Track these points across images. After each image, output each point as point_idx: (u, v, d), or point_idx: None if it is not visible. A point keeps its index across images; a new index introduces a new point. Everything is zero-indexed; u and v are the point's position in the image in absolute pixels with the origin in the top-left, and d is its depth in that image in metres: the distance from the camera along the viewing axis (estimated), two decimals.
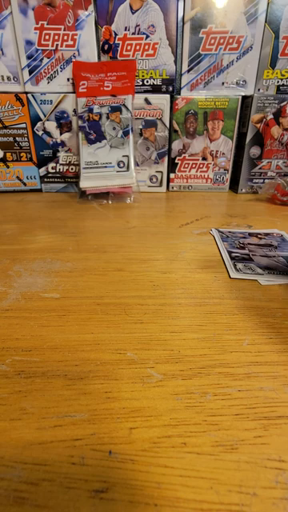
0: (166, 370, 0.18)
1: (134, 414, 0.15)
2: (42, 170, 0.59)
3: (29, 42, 0.50)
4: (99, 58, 0.52)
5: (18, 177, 0.59)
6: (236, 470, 0.13)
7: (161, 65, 0.52)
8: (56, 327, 0.21)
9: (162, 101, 0.54)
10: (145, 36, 0.50)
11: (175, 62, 0.52)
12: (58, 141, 0.56)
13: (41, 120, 0.55)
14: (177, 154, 0.58)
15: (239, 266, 0.30)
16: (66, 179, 0.60)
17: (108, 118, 0.53)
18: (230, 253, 0.33)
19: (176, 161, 0.59)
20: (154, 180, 0.60)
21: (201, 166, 0.59)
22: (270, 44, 0.51)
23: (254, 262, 0.30)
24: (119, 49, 0.51)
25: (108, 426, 0.15)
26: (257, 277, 0.28)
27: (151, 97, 0.54)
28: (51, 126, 0.55)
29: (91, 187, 0.54)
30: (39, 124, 0.55)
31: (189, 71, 0.53)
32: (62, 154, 0.58)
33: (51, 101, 0.54)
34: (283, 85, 0.53)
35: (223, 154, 0.58)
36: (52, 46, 0.51)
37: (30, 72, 0.52)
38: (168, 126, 0.55)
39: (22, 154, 0.57)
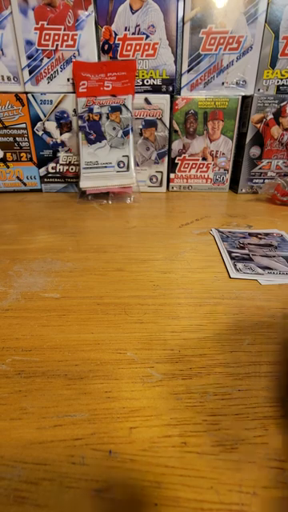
0: (166, 370, 0.18)
1: (134, 414, 0.15)
2: (42, 170, 0.59)
3: (29, 42, 0.50)
4: (99, 58, 0.52)
5: (18, 177, 0.59)
6: (236, 469, 0.13)
7: (161, 65, 0.52)
8: (56, 327, 0.21)
9: (161, 101, 0.54)
10: (145, 36, 0.50)
11: (175, 62, 0.52)
12: (58, 141, 0.56)
13: (41, 120, 0.55)
14: (177, 154, 0.58)
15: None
16: (66, 179, 0.60)
17: (108, 118, 0.53)
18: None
19: (176, 161, 0.59)
20: (154, 180, 0.60)
21: (201, 166, 0.59)
22: (269, 44, 0.51)
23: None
24: (119, 49, 0.51)
25: (108, 425, 0.15)
26: (257, 277, 0.28)
27: (151, 97, 0.54)
28: (51, 126, 0.55)
29: (91, 187, 0.54)
30: (39, 124, 0.55)
31: (189, 71, 0.53)
32: (62, 154, 0.58)
33: (51, 101, 0.54)
34: (283, 85, 0.53)
35: (223, 154, 0.58)
36: (52, 46, 0.51)
37: (30, 72, 0.52)
38: (168, 126, 0.55)
39: (22, 154, 0.57)
